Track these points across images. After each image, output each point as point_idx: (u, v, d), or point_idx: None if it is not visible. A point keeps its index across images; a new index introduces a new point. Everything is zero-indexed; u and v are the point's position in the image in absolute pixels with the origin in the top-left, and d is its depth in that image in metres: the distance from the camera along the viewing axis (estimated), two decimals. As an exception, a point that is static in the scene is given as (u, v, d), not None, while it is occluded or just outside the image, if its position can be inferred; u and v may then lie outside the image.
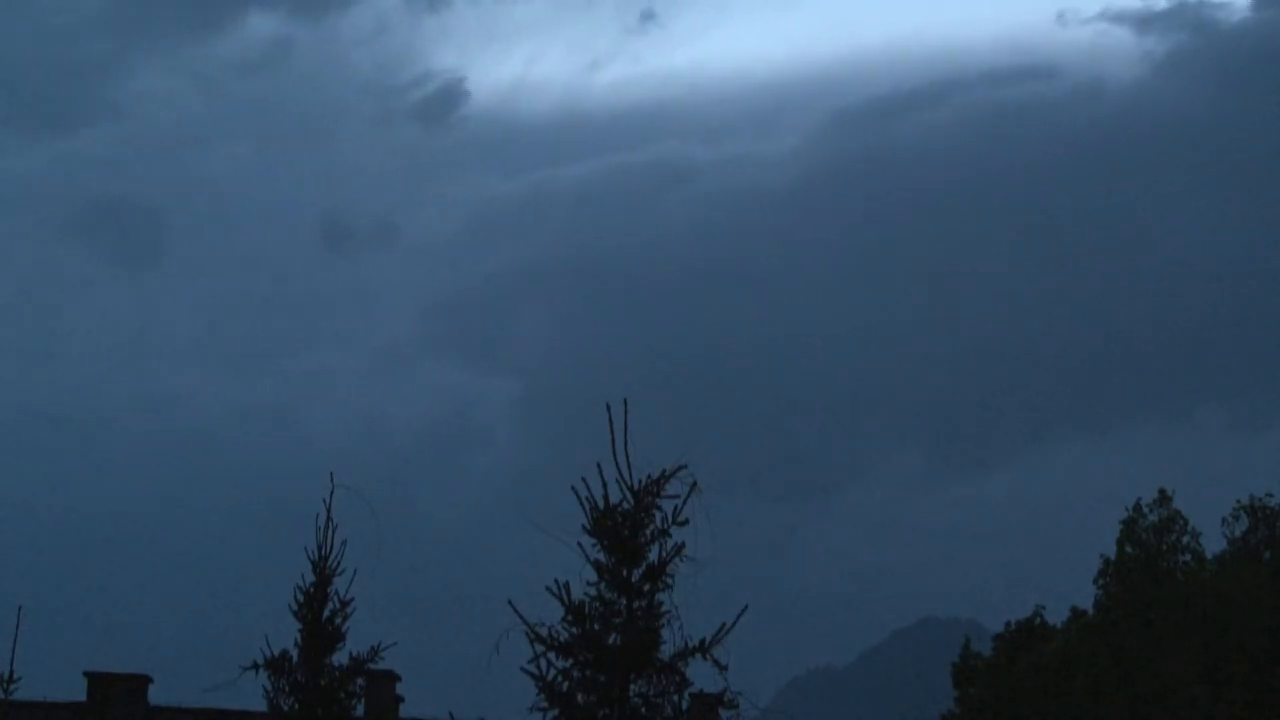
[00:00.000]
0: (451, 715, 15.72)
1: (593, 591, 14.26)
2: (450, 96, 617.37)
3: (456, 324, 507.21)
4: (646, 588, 14.27)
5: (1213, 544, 50.23)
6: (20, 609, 22.49)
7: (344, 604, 19.07)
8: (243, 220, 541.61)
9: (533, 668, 14.11)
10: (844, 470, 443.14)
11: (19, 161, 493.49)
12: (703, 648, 14.05)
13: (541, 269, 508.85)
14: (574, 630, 14.16)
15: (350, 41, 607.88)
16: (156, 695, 31.41)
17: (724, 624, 14.11)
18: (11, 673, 21.97)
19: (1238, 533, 49.89)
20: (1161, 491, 50.62)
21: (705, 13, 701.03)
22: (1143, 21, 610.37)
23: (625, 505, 14.34)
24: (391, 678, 31.06)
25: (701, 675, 14.13)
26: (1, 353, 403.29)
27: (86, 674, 31.44)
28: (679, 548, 14.27)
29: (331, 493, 18.98)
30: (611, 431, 14.31)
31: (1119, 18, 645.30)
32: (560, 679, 14.09)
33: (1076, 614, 52.32)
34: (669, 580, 14.28)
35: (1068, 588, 56.88)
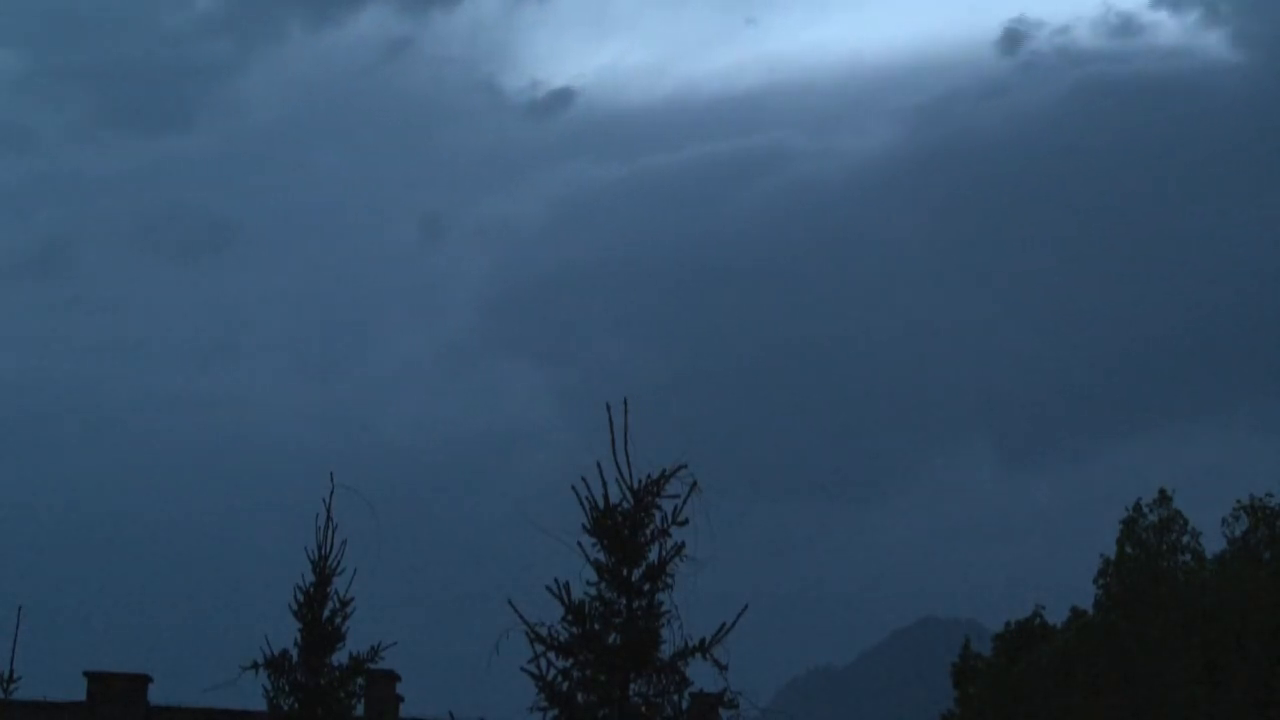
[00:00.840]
0: (451, 715, 15.72)
1: (593, 591, 14.26)
2: (550, 89, 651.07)
3: (526, 319, 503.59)
4: (646, 588, 14.26)
5: (1213, 544, 50.26)
6: (20, 609, 22.53)
7: (344, 604, 19.08)
8: (341, 218, 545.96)
9: (533, 668, 14.11)
10: (845, 470, 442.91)
11: (118, 161, 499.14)
12: (703, 648, 14.05)
13: (610, 263, 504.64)
14: (574, 630, 14.15)
15: (455, 36, 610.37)
16: (156, 695, 31.41)
17: (724, 624, 14.12)
18: (11, 672, 22.02)
19: (1238, 533, 49.84)
20: (1161, 491, 50.61)
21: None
22: (1248, 4, 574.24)
23: (625, 505, 14.35)
24: (391, 678, 31.06)
25: (701, 675, 14.14)
26: (50, 348, 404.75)
27: (86, 674, 31.43)
28: (679, 547, 14.27)
29: (331, 492, 19.00)
30: (611, 431, 14.31)
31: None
32: (560, 679, 14.09)
33: (1076, 614, 52.33)
34: (669, 580, 14.29)
35: (1068, 588, 56.91)
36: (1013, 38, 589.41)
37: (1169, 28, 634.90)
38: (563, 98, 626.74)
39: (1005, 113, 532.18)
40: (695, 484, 14.21)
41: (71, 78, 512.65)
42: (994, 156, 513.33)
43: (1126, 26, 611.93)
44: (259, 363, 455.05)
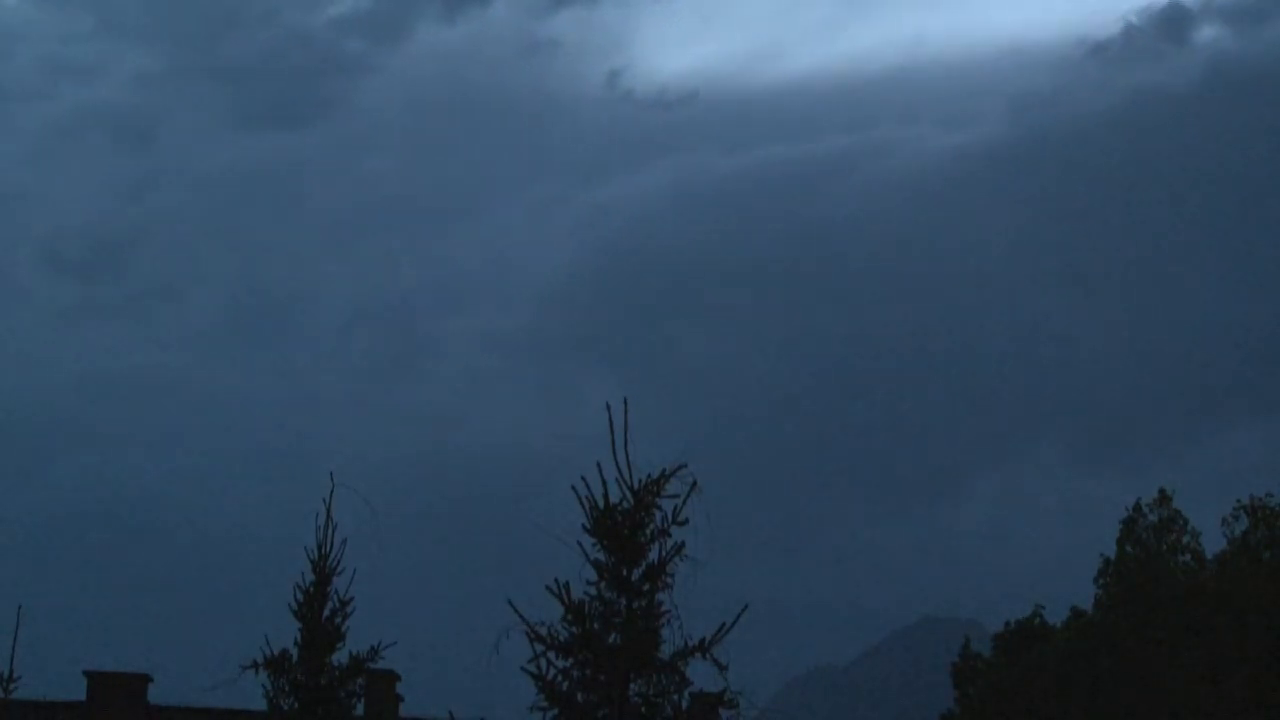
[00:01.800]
0: (451, 715, 15.72)
1: (593, 591, 14.27)
2: (671, 82, 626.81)
3: (612, 314, 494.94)
4: (646, 587, 14.27)
5: (1213, 544, 50.28)
6: (20, 609, 22.50)
7: (344, 604, 19.09)
8: (451, 214, 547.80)
9: (533, 667, 14.13)
10: (844, 470, 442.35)
11: (234, 157, 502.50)
12: (703, 648, 14.06)
13: (705, 259, 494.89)
14: (574, 630, 14.17)
15: (580, 31, 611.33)
16: (156, 695, 31.36)
17: (724, 624, 14.13)
18: (11, 672, 21.99)
19: (1238, 533, 49.85)
20: (1161, 491, 50.64)
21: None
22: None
23: (625, 505, 14.35)
24: (391, 677, 31.03)
25: (701, 675, 14.16)
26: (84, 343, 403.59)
27: (86, 674, 31.38)
28: (679, 547, 14.28)
29: (331, 492, 19.00)
30: (611, 431, 14.31)
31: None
32: (560, 678, 14.10)
33: (1076, 614, 52.36)
34: (669, 580, 14.30)
35: (1068, 588, 56.84)
36: (1144, 21, 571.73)
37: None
38: (683, 92, 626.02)
39: (1123, 101, 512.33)
40: (695, 484, 14.23)
41: (201, 76, 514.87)
42: (1108, 146, 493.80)
43: (1261, 8, 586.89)
44: (331, 363, 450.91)
